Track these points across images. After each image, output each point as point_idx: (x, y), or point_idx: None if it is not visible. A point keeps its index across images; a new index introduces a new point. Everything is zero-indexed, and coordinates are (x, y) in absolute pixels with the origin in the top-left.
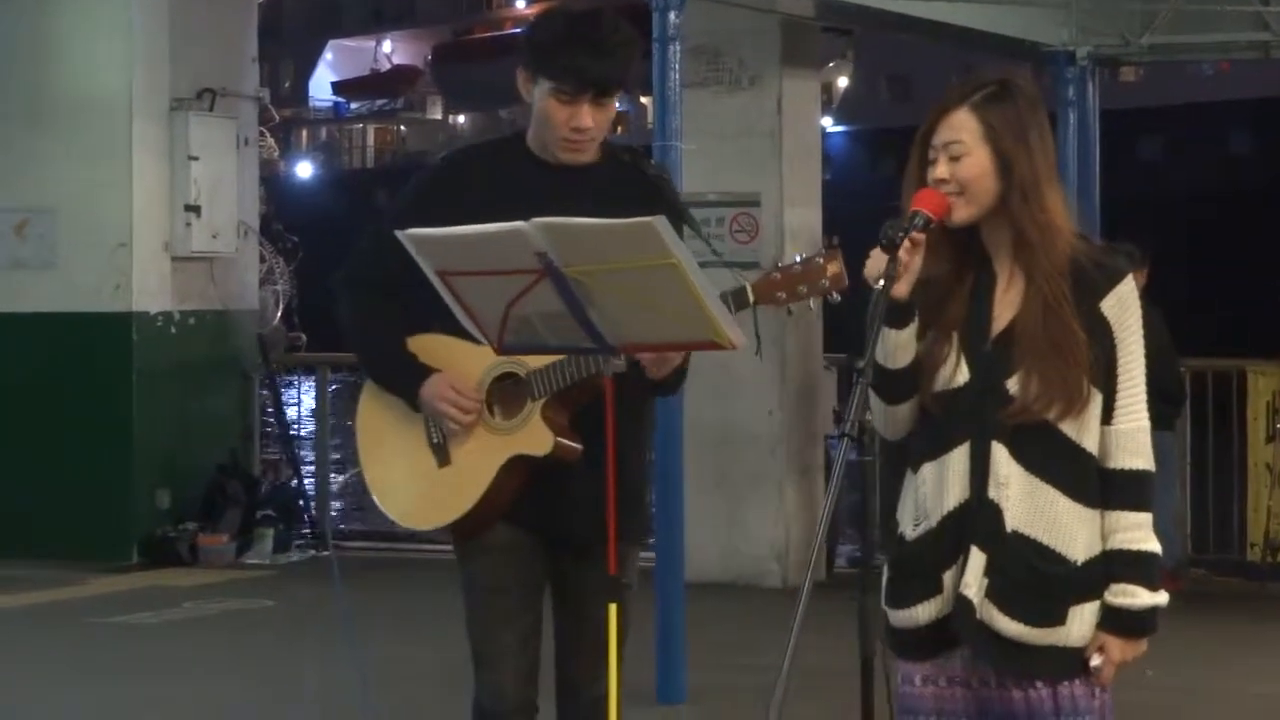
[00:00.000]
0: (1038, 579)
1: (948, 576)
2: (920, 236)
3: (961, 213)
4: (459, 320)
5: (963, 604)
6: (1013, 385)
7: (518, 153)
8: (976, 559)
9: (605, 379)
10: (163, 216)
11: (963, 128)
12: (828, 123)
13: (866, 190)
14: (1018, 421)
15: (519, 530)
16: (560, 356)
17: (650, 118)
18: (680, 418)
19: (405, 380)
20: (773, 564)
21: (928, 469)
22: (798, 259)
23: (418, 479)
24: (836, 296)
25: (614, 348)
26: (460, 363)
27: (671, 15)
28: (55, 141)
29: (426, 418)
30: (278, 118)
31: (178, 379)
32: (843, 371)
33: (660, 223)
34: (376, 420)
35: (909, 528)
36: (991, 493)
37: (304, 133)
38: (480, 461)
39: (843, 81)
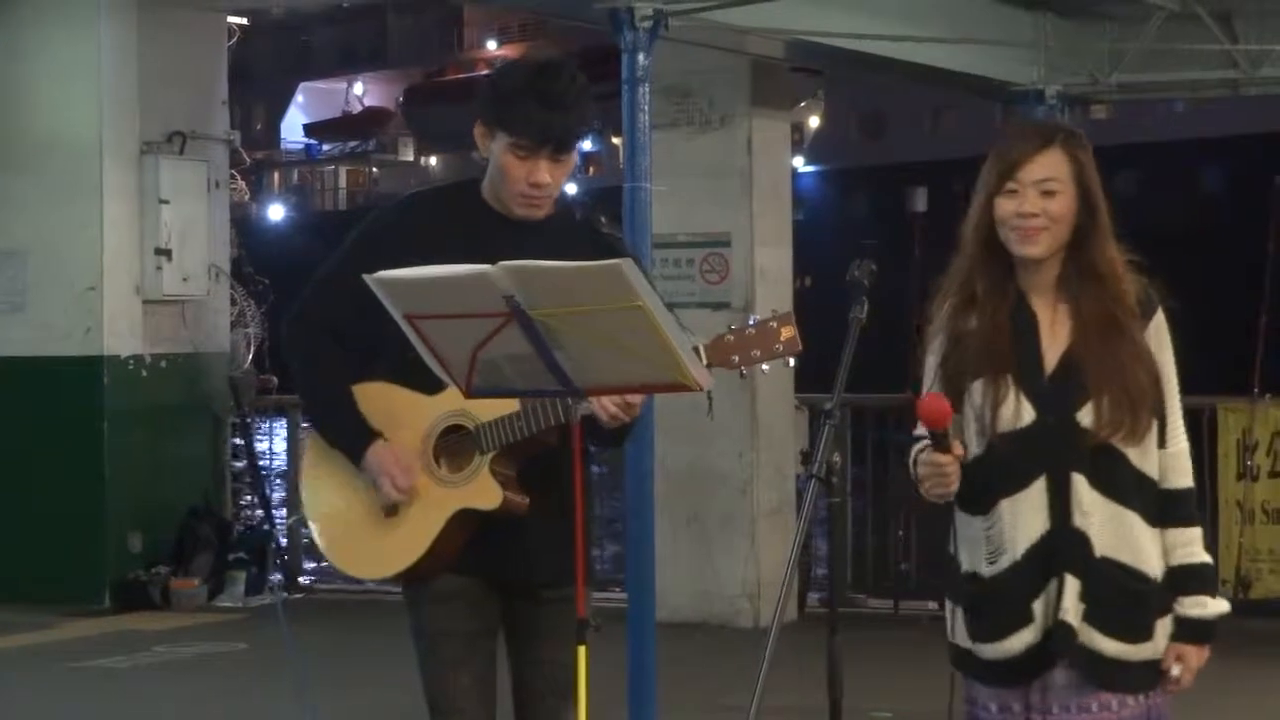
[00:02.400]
0: (1129, 598)
1: (1037, 605)
2: (960, 449)
3: (1040, 247)
4: (414, 364)
5: (1063, 629)
6: (1084, 417)
7: (471, 201)
8: (1072, 585)
9: (574, 424)
10: (133, 260)
11: (1057, 166)
12: (798, 163)
13: (838, 230)
14: (1096, 444)
15: (465, 576)
16: (510, 410)
17: (621, 158)
18: (651, 458)
19: (350, 442)
20: (744, 603)
21: (1004, 505)
22: (751, 321)
23: (364, 529)
24: (791, 362)
25: (580, 390)
26: (406, 415)
27: (640, 56)
28: (25, 184)
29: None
30: (249, 160)
31: (149, 422)
32: (813, 411)
33: (627, 265)
34: (323, 468)
35: (982, 565)
36: (1077, 521)
37: (275, 175)
38: (427, 514)
39: (814, 121)
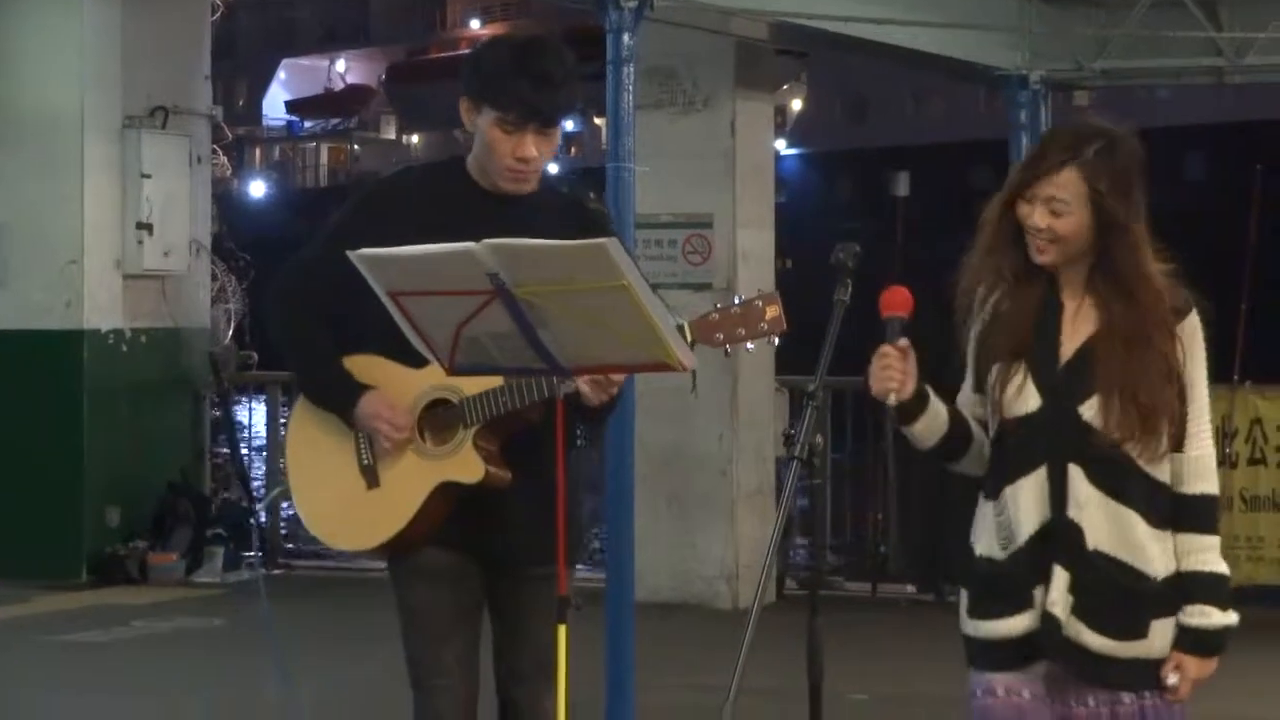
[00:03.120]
0: (1121, 595)
1: (1038, 593)
2: (905, 343)
3: (1047, 258)
4: (399, 341)
5: (1049, 621)
6: (1087, 410)
7: (458, 177)
8: (1060, 577)
9: (558, 399)
10: (114, 234)
11: (1067, 187)
12: (781, 145)
13: (820, 213)
14: (1098, 441)
15: (450, 551)
16: (495, 385)
17: (604, 139)
18: (632, 439)
19: (341, 395)
20: (723, 585)
21: (1009, 492)
22: (737, 301)
23: (346, 500)
24: (775, 341)
25: (565, 369)
26: (392, 386)
27: (625, 37)
28: (6, 158)
29: (357, 439)
30: (231, 136)
31: (128, 397)
32: (793, 393)
33: (612, 244)
34: (307, 440)
35: (996, 549)
36: (1071, 513)
37: (257, 151)
38: (410, 485)
39: (797, 104)
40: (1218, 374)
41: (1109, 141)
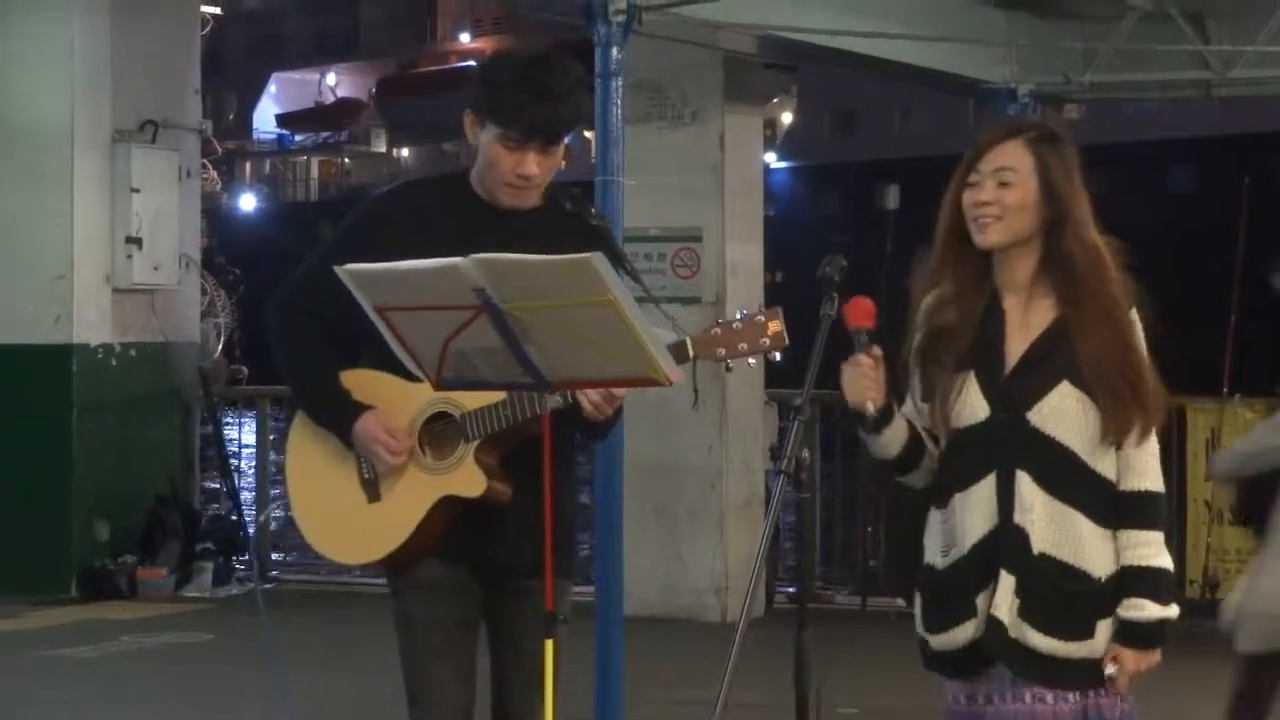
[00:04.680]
0: (1065, 596)
1: (981, 600)
2: (878, 352)
3: (994, 237)
4: (395, 355)
5: (994, 625)
6: (1034, 415)
7: (461, 191)
8: (1006, 581)
9: (544, 415)
10: (104, 248)
11: (1016, 158)
12: (771, 159)
13: (809, 226)
14: (1044, 441)
15: (450, 565)
16: (497, 399)
17: (593, 152)
18: (620, 451)
19: (338, 416)
20: (711, 598)
21: (957, 500)
22: (739, 315)
23: (347, 514)
24: (777, 356)
25: (551, 383)
26: (392, 401)
27: (614, 50)
28: None
29: (358, 453)
30: (220, 150)
31: (118, 411)
32: (782, 406)
33: (598, 259)
34: (307, 452)
35: (938, 558)
36: (1018, 518)
37: (247, 165)
38: (411, 500)
39: (786, 117)
40: (1207, 387)
41: (1053, 131)
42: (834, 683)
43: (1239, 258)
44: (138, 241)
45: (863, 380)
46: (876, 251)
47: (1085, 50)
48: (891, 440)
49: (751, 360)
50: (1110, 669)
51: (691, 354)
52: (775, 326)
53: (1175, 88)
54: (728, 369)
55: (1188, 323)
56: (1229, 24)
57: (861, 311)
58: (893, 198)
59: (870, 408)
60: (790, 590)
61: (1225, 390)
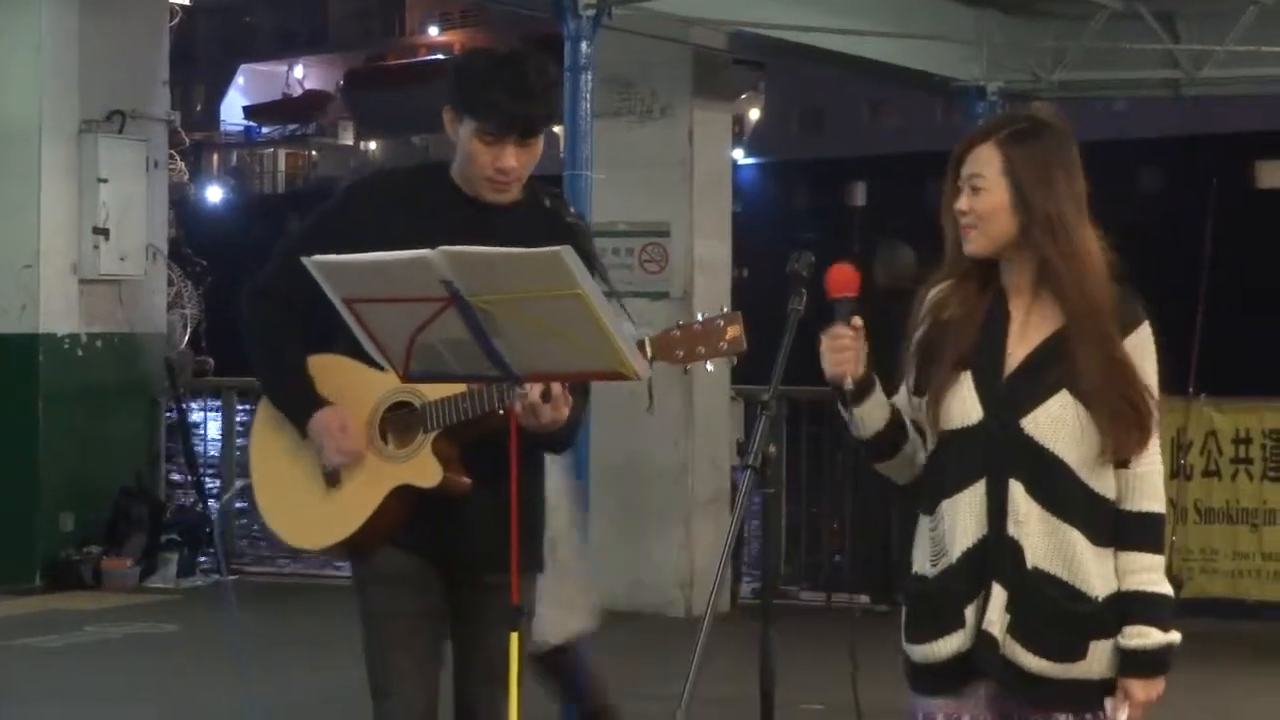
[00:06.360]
0: (1060, 615)
1: (969, 611)
2: (859, 322)
3: (975, 245)
4: (364, 346)
5: (986, 639)
6: (1029, 424)
7: (441, 184)
8: (998, 595)
9: (510, 408)
10: (71, 238)
11: (985, 162)
12: (739, 155)
13: (777, 222)
14: (1039, 453)
15: (412, 556)
16: (458, 391)
17: (561, 146)
18: (587, 448)
19: (298, 407)
20: (677, 593)
21: (945, 506)
22: (699, 318)
23: (307, 499)
24: (734, 360)
25: (519, 376)
26: (358, 387)
27: (584, 45)
28: None
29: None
30: (188, 141)
31: (84, 401)
32: (749, 402)
33: (567, 253)
34: (271, 438)
35: (926, 566)
36: (1010, 530)
37: (215, 156)
38: (368, 487)
39: (754, 114)
40: (1173, 386)
41: (1033, 125)
42: (798, 679)
43: (1206, 257)
44: (105, 232)
45: (841, 353)
46: (843, 248)
47: (1055, 48)
48: (870, 417)
49: (710, 365)
50: (1123, 714)
51: (649, 355)
52: (734, 331)
53: (1145, 87)
54: (685, 372)
55: (1154, 322)
56: (1199, 24)
57: (843, 280)
58: (860, 195)
59: (849, 382)
60: (756, 586)
61: (1191, 390)
